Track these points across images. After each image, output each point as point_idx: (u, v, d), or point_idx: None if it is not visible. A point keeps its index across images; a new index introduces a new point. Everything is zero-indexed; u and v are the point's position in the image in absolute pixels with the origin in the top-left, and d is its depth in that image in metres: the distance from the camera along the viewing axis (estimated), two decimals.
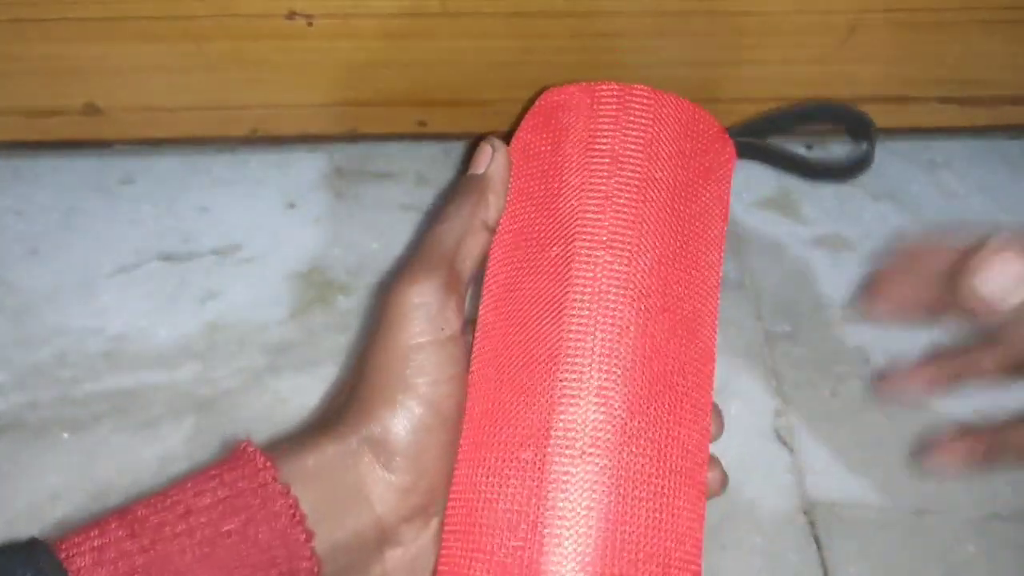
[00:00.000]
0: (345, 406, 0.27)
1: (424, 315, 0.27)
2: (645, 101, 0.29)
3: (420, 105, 0.45)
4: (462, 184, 0.30)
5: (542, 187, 0.29)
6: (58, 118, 0.44)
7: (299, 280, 0.42)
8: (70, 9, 0.38)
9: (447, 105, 0.45)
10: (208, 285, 0.42)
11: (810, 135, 0.50)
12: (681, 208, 0.28)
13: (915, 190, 0.48)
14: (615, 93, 0.29)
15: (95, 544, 0.23)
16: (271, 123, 0.45)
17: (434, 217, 0.30)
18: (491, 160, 0.30)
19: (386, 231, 0.44)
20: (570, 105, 0.30)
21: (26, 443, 0.37)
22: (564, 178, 0.29)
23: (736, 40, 0.42)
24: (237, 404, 0.39)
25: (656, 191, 0.28)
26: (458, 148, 0.47)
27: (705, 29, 0.41)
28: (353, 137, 0.47)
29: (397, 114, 0.45)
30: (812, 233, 0.46)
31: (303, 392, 0.39)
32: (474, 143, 0.32)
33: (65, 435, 0.37)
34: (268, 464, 0.25)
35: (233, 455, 0.25)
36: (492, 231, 0.30)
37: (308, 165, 0.46)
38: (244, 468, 0.25)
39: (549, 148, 0.30)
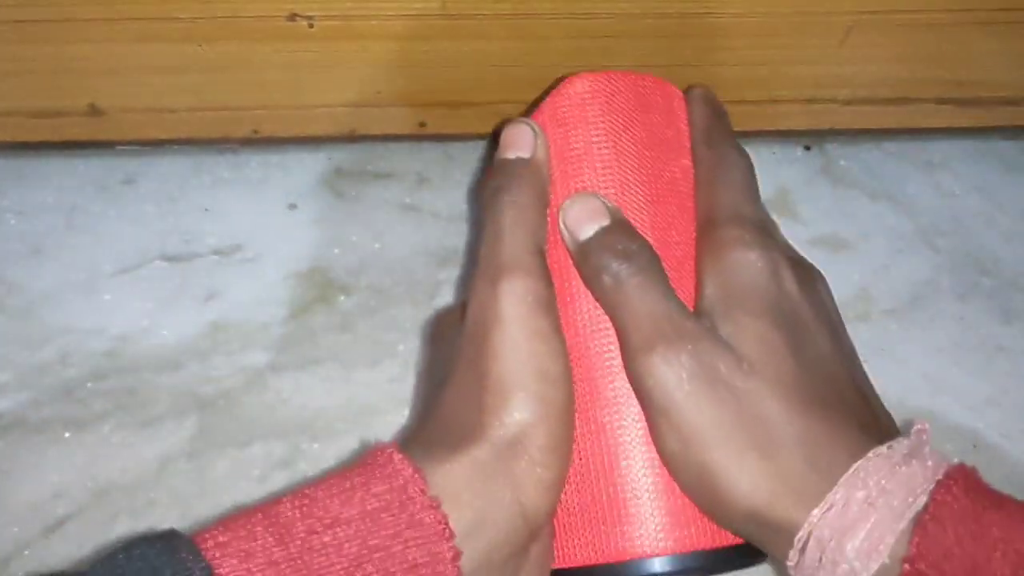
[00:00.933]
0: (475, 406, 0.26)
1: (536, 302, 0.27)
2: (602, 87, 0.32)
3: (420, 106, 0.45)
4: (513, 168, 0.30)
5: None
6: (60, 119, 0.44)
7: (300, 280, 0.43)
8: (72, 11, 0.38)
9: (447, 106, 0.45)
10: (210, 285, 0.42)
11: (808, 135, 0.50)
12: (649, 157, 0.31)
13: (912, 190, 0.48)
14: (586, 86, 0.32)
15: (244, 548, 0.22)
16: (272, 124, 0.45)
17: (494, 204, 0.29)
18: (535, 143, 0.30)
19: (387, 231, 0.44)
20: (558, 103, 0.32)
21: (28, 441, 0.37)
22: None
23: (734, 42, 0.42)
24: (239, 403, 0.39)
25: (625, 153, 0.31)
26: (458, 149, 0.47)
27: (703, 31, 0.41)
28: (353, 138, 0.47)
29: (397, 115, 0.45)
30: (810, 233, 0.46)
31: (304, 391, 0.39)
32: (494, 135, 0.32)
33: (67, 434, 0.38)
34: (416, 476, 0.24)
35: (377, 461, 0.24)
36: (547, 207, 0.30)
37: (309, 166, 0.47)
38: (392, 480, 0.24)
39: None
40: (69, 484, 0.36)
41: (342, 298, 0.42)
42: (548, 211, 0.30)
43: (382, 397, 0.39)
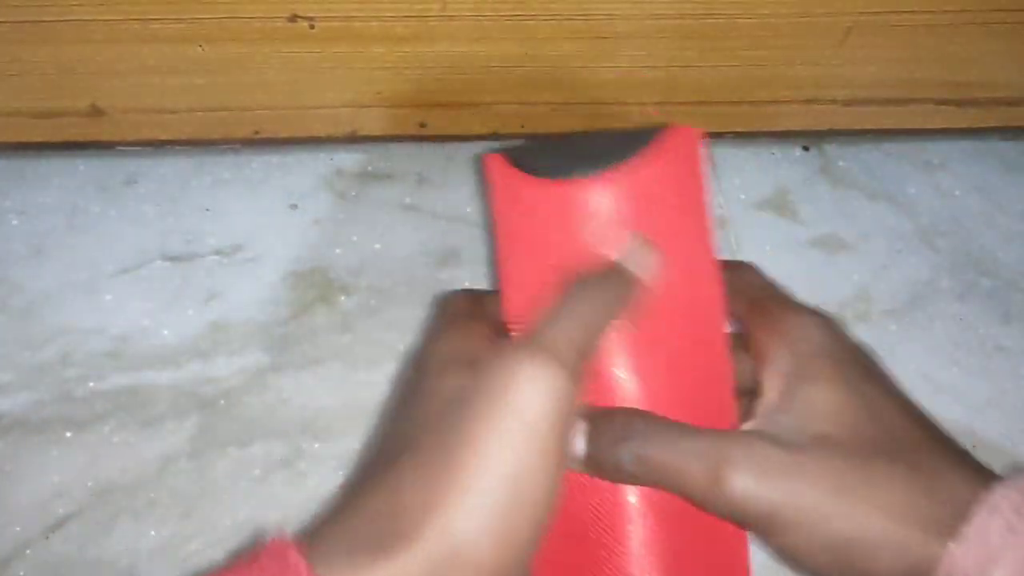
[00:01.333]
0: (421, 498, 0.22)
1: (558, 406, 0.23)
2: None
3: (421, 107, 0.45)
4: (611, 271, 0.27)
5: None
6: (62, 119, 0.44)
7: (301, 280, 0.43)
8: (74, 11, 0.38)
9: (447, 107, 0.45)
10: (211, 285, 0.42)
11: (807, 136, 0.50)
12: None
13: (912, 191, 0.48)
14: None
15: None
16: (273, 125, 0.46)
17: (582, 292, 0.26)
18: (646, 262, 0.27)
19: (387, 232, 0.44)
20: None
21: (29, 441, 0.37)
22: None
23: (733, 43, 0.42)
24: (239, 403, 0.39)
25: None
26: (458, 149, 0.47)
27: (702, 32, 0.41)
28: (354, 139, 0.47)
29: (398, 116, 0.46)
30: (809, 234, 0.47)
31: (305, 391, 0.39)
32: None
33: (68, 434, 0.38)
34: None
35: (272, 569, 0.20)
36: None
37: (310, 166, 0.47)
38: None
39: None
40: (70, 484, 0.36)
41: (343, 298, 0.42)
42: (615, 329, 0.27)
43: (382, 397, 0.39)
